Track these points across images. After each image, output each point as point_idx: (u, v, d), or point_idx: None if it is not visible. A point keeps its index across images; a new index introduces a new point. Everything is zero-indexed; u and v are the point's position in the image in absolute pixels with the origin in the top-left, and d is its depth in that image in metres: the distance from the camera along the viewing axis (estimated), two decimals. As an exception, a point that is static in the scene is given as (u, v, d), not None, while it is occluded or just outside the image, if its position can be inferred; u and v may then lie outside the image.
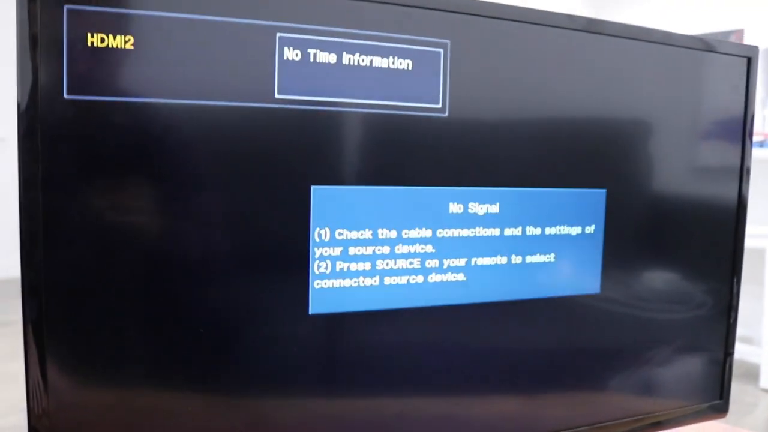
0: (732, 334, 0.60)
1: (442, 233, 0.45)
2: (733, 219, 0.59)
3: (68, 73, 0.34)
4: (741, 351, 2.31)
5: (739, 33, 4.28)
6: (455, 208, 0.45)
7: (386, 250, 0.43)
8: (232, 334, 0.40)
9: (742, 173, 0.59)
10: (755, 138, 2.24)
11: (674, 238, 0.57)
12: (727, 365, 0.60)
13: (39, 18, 0.34)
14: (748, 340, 2.35)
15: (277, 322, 0.41)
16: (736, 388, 2.16)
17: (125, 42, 0.35)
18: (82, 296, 0.36)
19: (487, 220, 0.46)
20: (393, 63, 0.42)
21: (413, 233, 0.44)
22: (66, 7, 0.34)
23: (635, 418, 0.55)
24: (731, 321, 0.60)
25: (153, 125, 0.37)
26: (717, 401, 0.60)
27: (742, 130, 0.58)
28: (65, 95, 0.35)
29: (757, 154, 2.08)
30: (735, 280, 0.60)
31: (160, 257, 0.38)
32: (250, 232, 0.40)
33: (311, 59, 0.40)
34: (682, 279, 0.58)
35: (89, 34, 0.35)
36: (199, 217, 0.39)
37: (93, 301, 0.37)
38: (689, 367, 0.59)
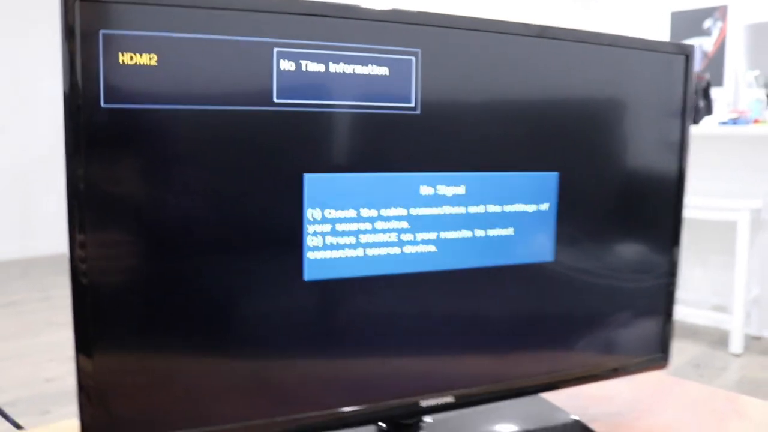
0: (672, 298, 0.69)
1: (415, 212, 0.53)
2: (673, 194, 0.67)
3: (104, 87, 0.42)
4: (713, 319, 2.42)
5: (723, 9, 4.34)
6: (426, 190, 0.53)
7: (368, 226, 0.51)
8: (242, 297, 0.48)
9: (682, 151, 0.67)
10: (730, 116, 2.32)
11: (620, 213, 0.66)
12: (669, 324, 0.69)
13: (79, 42, 0.41)
14: (721, 309, 2.46)
15: (279, 287, 0.49)
16: (708, 354, 2.29)
17: (150, 59, 0.43)
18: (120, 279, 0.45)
19: (453, 200, 0.55)
20: (372, 70, 0.50)
21: (390, 212, 0.52)
22: (101, 32, 0.42)
23: (586, 368, 0.65)
24: (672, 287, 0.69)
25: (174, 127, 0.45)
26: (660, 354, 0.70)
27: (682, 115, 0.67)
28: (102, 104, 0.42)
29: (729, 130, 2.17)
30: (675, 250, 0.68)
31: (178, 234, 0.46)
32: (254, 214, 0.48)
33: (303, 69, 0.48)
34: (627, 249, 0.67)
35: (120, 53, 0.42)
36: (211, 203, 0.47)
37: (128, 280, 0.45)
38: (634, 325, 0.68)
